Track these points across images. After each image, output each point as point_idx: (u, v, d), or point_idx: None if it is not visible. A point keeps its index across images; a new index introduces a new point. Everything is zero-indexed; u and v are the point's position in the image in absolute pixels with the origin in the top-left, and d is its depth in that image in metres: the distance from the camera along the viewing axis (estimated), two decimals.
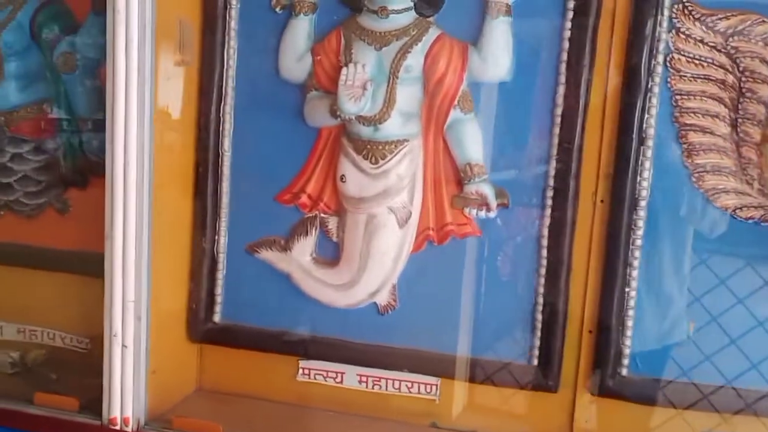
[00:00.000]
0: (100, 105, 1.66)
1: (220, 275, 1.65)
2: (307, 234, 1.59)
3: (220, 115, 1.60)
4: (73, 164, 1.75)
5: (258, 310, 1.65)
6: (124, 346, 1.47)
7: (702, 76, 1.37)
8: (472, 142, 1.46)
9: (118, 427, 1.49)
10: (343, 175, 1.51)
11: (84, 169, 1.74)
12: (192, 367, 1.70)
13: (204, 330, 1.66)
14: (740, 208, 1.38)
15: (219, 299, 1.66)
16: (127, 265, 1.45)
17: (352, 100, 1.44)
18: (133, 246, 1.45)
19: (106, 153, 1.44)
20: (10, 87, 1.70)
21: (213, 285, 1.65)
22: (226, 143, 1.61)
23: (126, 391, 1.48)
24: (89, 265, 1.74)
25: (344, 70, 1.44)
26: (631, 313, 1.43)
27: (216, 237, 1.64)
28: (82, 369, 1.70)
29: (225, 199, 1.63)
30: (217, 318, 1.66)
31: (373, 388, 1.60)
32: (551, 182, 1.44)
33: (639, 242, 1.42)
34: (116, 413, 1.49)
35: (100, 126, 1.68)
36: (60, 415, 1.53)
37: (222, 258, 1.65)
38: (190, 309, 1.65)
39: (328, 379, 1.63)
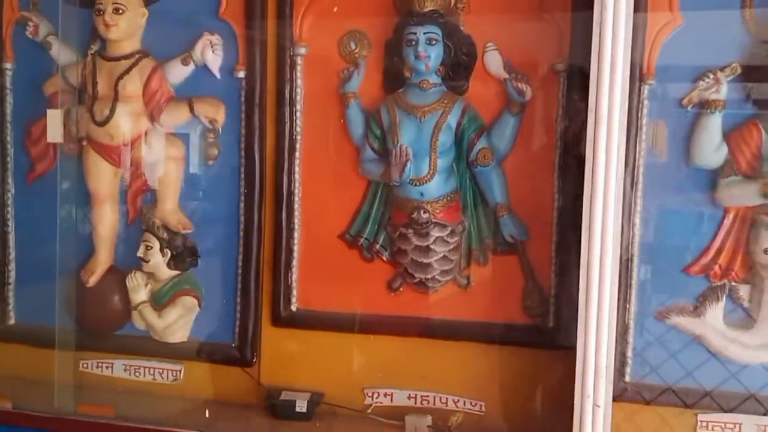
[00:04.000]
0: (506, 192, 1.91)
1: (630, 338, 1.87)
2: (718, 300, 1.81)
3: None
4: (479, 244, 1.98)
5: (665, 368, 1.86)
6: (596, 405, 1.67)
7: None
8: None
9: None
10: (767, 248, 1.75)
11: (486, 247, 1.97)
12: None
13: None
14: None
15: (629, 360, 1.87)
16: (600, 336, 1.66)
17: None
18: (606, 312, 1.66)
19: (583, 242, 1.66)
20: (439, 180, 1.93)
21: (624, 347, 1.87)
22: (637, 220, 1.85)
23: None
24: (487, 335, 1.97)
25: None
26: None
27: (627, 305, 1.86)
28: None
29: (635, 273, 1.86)
30: (627, 378, 1.88)
31: None
32: None
33: None
34: None
35: (510, 209, 1.93)
36: None
37: (632, 324, 1.87)
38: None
39: (726, 429, 1.84)
